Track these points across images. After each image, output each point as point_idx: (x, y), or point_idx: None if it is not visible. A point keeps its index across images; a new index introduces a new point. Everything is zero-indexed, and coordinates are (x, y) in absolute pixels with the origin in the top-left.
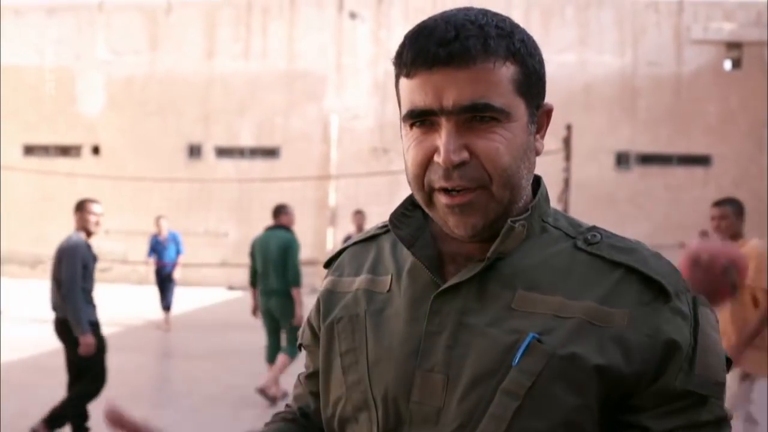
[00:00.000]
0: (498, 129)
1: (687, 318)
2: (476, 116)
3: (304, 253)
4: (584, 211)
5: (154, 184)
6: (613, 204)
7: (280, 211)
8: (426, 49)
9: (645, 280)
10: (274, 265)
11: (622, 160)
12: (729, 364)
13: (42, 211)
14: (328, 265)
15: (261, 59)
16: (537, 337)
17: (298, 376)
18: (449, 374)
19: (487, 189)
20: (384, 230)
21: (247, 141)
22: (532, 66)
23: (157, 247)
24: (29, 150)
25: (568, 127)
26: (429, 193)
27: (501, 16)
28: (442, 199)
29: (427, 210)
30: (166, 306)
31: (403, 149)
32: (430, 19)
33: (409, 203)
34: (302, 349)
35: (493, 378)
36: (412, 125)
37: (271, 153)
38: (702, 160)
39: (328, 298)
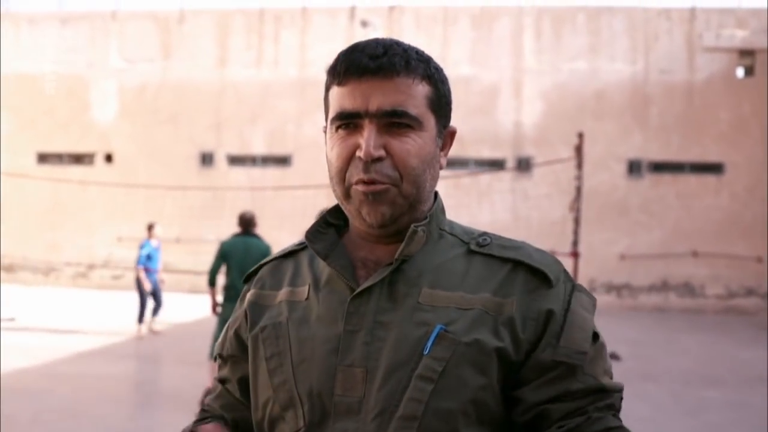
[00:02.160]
0: (411, 134)
1: (562, 300)
2: (395, 122)
3: None
4: (596, 219)
5: (167, 191)
6: (625, 212)
7: (252, 220)
8: (358, 61)
9: (530, 270)
10: None
11: (633, 167)
12: (596, 338)
13: (55, 219)
14: (247, 279)
15: (273, 67)
16: (444, 328)
17: (220, 387)
18: (368, 367)
19: (398, 186)
20: (301, 247)
21: (259, 149)
22: (443, 91)
23: (154, 254)
24: (43, 158)
25: (580, 135)
26: (348, 187)
27: (419, 49)
28: (359, 188)
29: (343, 203)
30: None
31: (326, 150)
32: (362, 41)
33: (323, 222)
34: (221, 359)
35: (407, 366)
36: (338, 127)
37: (283, 161)
38: (714, 168)
39: (254, 310)
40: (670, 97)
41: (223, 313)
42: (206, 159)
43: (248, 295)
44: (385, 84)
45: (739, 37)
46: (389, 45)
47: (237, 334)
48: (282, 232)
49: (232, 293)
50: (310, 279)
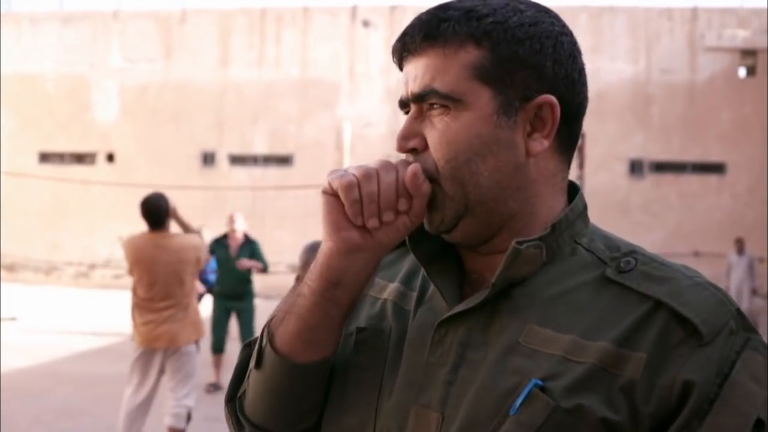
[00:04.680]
0: (446, 117)
1: (719, 364)
2: (433, 104)
3: None
4: (597, 220)
5: (168, 191)
6: (627, 212)
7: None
8: (395, 43)
9: (675, 317)
10: None
11: (635, 167)
12: (760, 427)
13: (56, 218)
14: None
15: (274, 67)
16: (540, 385)
17: None
18: (445, 413)
19: (439, 182)
20: None
21: (260, 149)
22: (512, 52)
23: None
24: (44, 157)
25: (581, 135)
26: None
27: (485, 2)
28: None
29: None
30: None
31: None
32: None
33: None
34: None
35: (487, 425)
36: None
37: (284, 160)
38: (716, 168)
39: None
40: (671, 97)
41: (216, 310)
42: (207, 159)
43: None
44: (419, 61)
45: (741, 36)
46: (427, 13)
47: None
48: (283, 232)
49: (219, 290)
50: (419, 285)
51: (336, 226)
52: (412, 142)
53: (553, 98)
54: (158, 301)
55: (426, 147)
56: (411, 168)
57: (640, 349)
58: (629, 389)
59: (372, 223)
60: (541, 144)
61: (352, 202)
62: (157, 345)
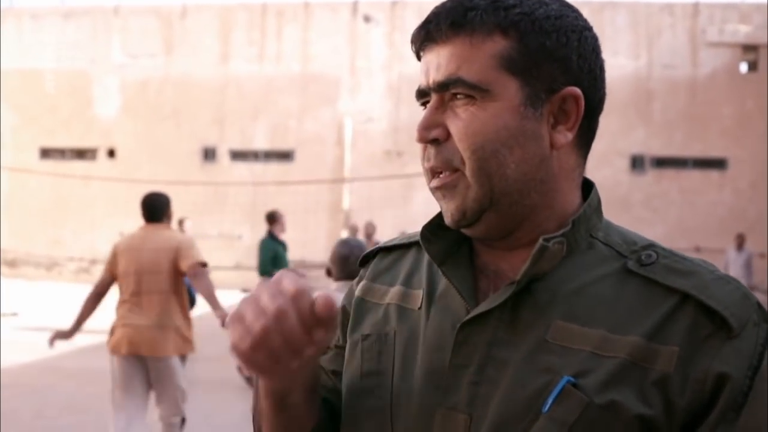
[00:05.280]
0: (472, 107)
1: (749, 356)
2: (456, 94)
3: (317, 256)
4: None
5: (169, 187)
6: (628, 207)
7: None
8: (417, 30)
9: (703, 310)
10: None
11: (636, 163)
12: None
13: (58, 214)
14: (363, 263)
15: (275, 62)
16: (572, 381)
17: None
18: (473, 414)
19: (464, 173)
20: None
21: (261, 144)
22: (537, 43)
23: None
24: (45, 153)
25: None
26: (430, 178)
27: None
28: (428, 181)
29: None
30: None
31: None
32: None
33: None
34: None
35: (519, 424)
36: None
37: (285, 156)
38: (717, 163)
39: (359, 307)
40: (673, 93)
41: None
42: (208, 154)
43: (358, 288)
44: (442, 50)
45: (743, 32)
46: (452, 2)
47: (342, 323)
48: None
49: None
50: (426, 283)
51: (260, 373)
52: (434, 133)
53: (578, 91)
54: (143, 297)
55: (448, 137)
56: (324, 301)
57: (670, 343)
58: (663, 383)
59: (294, 364)
60: (566, 137)
61: (262, 364)
62: (141, 350)
